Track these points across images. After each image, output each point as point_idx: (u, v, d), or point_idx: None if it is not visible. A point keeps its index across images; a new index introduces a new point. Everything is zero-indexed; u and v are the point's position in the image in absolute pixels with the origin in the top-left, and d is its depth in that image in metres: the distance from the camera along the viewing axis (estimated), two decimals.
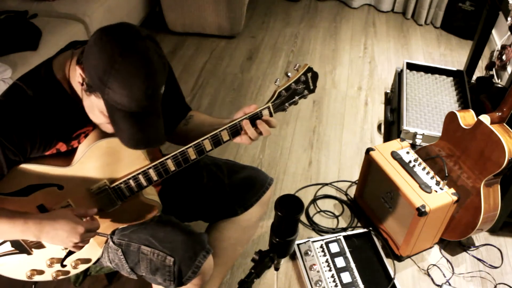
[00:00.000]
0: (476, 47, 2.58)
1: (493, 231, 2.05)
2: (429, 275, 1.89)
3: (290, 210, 0.99)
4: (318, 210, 2.15)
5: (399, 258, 1.92)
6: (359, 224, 2.10)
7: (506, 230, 2.06)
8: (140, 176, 1.20)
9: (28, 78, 1.11)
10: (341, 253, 1.86)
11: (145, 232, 1.32)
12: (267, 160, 2.43)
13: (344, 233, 1.95)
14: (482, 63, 2.96)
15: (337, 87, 2.98)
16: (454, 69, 2.64)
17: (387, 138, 2.52)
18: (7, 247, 1.24)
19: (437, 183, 1.77)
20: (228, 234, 1.53)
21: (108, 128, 1.10)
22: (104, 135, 1.16)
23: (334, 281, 1.77)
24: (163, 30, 3.41)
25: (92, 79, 1.01)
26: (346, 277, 1.78)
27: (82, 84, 1.05)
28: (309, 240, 1.90)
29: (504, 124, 1.73)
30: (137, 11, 3.29)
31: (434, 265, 1.93)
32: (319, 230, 2.06)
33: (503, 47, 2.87)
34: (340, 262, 1.83)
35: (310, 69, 1.24)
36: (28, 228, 1.10)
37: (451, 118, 1.86)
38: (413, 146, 2.15)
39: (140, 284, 1.76)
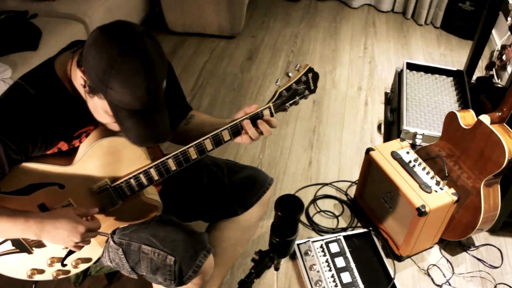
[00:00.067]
0: (476, 47, 2.58)
1: (493, 231, 2.05)
2: (429, 275, 1.89)
3: (290, 210, 0.99)
4: (318, 210, 2.16)
5: (399, 258, 1.92)
6: (359, 224, 2.10)
7: (506, 230, 2.06)
8: (141, 176, 1.21)
9: (30, 77, 1.11)
10: (341, 253, 1.86)
11: (146, 232, 1.32)
12: (267, 160, 2.43)
13: (344, 233, 1.95)
14: (482, 63, 2.97)
15: (337, 87, 2.99)
16: (454, 69, 2.65)
17: (387, 138, 2.52)
18: (8, 246, 1.24)
19: (437, 183, 1.77)
20: (228, 234, 1.54)
21: (115, 127, 1.10)
22: (105, 134, 1.16)
23: (334, 281, 1.77)
24: (163, 30, 3.41)
25: (93, 81, 1.01)
26: (346, 277, 1.78)
27: (84, 86, 1.05)
28: (309, 240, 1.91)
29: (504, 124, 1.73)
30: (137, 11, 3.29)
31: (434, 265, 1.93)
32: (319, 230, 2.06)
33: (503, 47, 2.87)
34: (340, 262, 1.83)
35: (311, 70, 1.24)
36: (29, 227, 1.10)
37: (451, 118, 1.87)
38: (413, 146, 2.15)
39: (140, 284, 1.75)
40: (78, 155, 1.17)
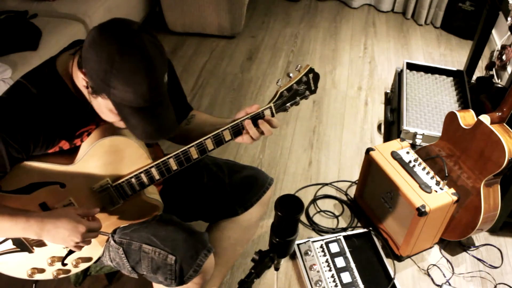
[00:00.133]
0: (476, 47, 2.58)
1: (493, 231, 2.05)
2: (429, 275, 1.89)
3: (290, 210, 0.99)
4: (318, 210, 2.16)
5: (399, 258, 1.92)
6: (359, 224, 2.10)
7: (506, 230, 2.06)
8: (142, 175, 1.21)
9: (32, 76, 1.11)
10: (341, 253, 1.86)
11: (147, 231, 1.32)
12: (267, 160, 2.43)
13: (344, 233, 1.96)
14: (482, 63, 2.97)
15: (337, 87, 2.99)
16: (454, 69, 2.65)
17: (387, 138, 2.52)
18: (9, 245, 1.24)
19: (437, 183, 1.77)
20: (228, 234, 1.54)
21: (121, 125, 1.10)
22: (106, 133, 1.16)
23: (334, 281, 1.77)
24: (163, 30, 3.41)
25: (95, 82, 1.01)
26: (346, 277, 1.78)
27: (87, 87, 1.06)
28: (309, 240, 1.91)
29: (504, 124, 1.74)
30: (137, 11, 3.29)
31: (434, 265, 1.93)
32: (319, 230, 2.06)
33: (503, 47, 2.87)
34: (340, 262, 1.83)
35: (311, 70, 1.24)
36: (30, 226, 1.10)
37: (451, 118, 1.87)
38: (413, 146, 2.15)
39: (140, 284, 1.75)
40: (80, 154, 1.17)
